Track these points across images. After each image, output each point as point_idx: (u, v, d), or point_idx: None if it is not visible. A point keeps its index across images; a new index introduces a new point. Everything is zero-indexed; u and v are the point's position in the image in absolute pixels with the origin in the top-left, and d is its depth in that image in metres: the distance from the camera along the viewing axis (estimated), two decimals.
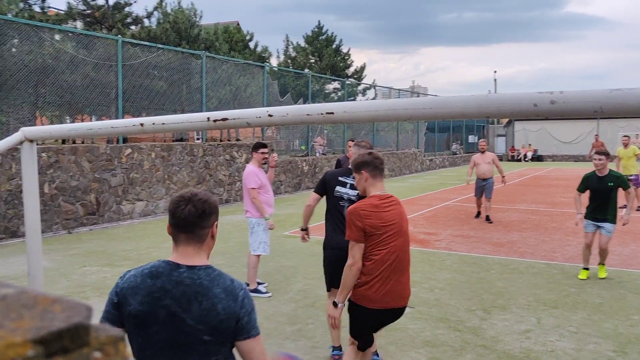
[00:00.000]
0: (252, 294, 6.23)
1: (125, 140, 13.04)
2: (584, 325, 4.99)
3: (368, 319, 3.20)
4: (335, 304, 3.23)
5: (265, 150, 6.18)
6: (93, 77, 11.61)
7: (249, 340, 1.85)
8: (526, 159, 37.18)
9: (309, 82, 19.73)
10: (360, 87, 30.58)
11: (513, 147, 39.22)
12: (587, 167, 22.74)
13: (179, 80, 13.97)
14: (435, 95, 22.87)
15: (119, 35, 13.17)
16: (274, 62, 33.00)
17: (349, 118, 1.17)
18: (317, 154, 20.00)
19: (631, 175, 12.07)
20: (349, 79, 29.94)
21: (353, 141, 4.61)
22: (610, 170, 6.41)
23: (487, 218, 10.75)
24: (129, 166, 11.51)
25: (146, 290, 1.82)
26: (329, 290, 4.47)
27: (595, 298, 5.81)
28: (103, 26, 23.04)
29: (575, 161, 36.27)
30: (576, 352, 4.38)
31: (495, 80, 51.87)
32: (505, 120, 41.47)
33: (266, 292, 6.12)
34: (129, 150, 11.52)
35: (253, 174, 6.01)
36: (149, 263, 1.95)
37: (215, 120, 1.34)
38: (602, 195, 6.36)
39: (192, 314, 1.78)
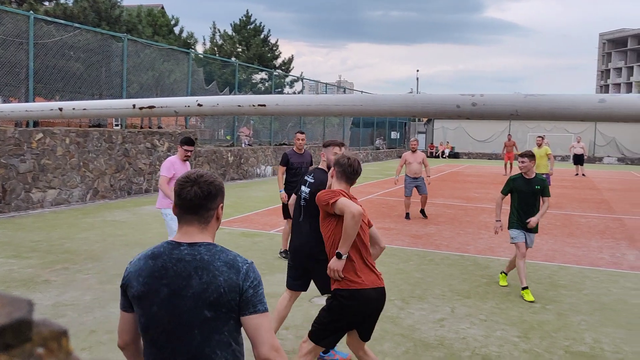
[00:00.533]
0: None
1: (36, 124, 12.19)
2: (492, 314, 5.32)
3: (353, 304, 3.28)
4: (339, 255, 3.25)
5: (190, 148, 6.21)
6: (0, 54, 10.74)
7: (256, 315, 1.77)
8: (444, 156, 38.86)
9: (236, 71, 19.44)
10: (288, 79, 30.53)
11: (432, 144, 40.84)
12: (499, 165, 23.70)
13: (97, 63, 13.25)
14: (362, 92, 23.24)
15: (31, 11, 12.26)
16: (199, 49, 32.15)
17: (281, 111, 1.17)
18: (243, 145, 19.78)
19: (543, 174, 13.04)
20: (277, 70, 29.81)
21: (338, 146, 4.61)
22: (536, 173, 6.15)
23: (423, 212, 11.05)
24: (40, 152, 10.79)
25: (147, 271, 1.81)
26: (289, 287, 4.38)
27: (503, 288, 6.21)
28: (12, 0, 21.35)
29: (489, 159, 38.41)
30: (485, 338, 4.67)
31: (417, 79, 53.68)
32: (425, 119, 43.09)
33: None
34: (40, 135, 10.79)
35: (170, 163, 6.10)
36: (153, 246, 1.94)
37: (141, 108, 1.30)
38: (528, 199, 6.03)
39: (192, 289, 1.75)
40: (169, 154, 14.56)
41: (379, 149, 35.15)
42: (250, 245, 8.10)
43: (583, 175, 22.45)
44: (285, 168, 7.47)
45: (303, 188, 4.39)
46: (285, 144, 22.30)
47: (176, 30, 28.23)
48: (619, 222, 11.00)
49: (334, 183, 3.44)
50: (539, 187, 6.03)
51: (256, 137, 21.87)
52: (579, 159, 22.68)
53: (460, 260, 7.51)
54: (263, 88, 28.56)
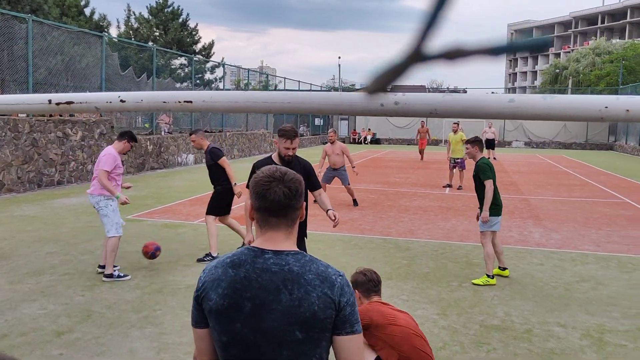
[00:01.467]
0: (106, 279, 5.84)
1: None
2: (413, 294, 5.58)
3: None
4: None
5: (135, 144, 6.25)
6: None
7: (353, 336, 1.58)
8: (366, 142, 39.75)
9: (154, 56, 18.69)
10: (209, 65, 29.80)
11: (355, 130, 41.61)
12: (416, 150, 24.35)
13: None
14: (285, 78, 23.08)
15: None
16: (113, 32, 30.55)
17: (208, 107, 1.17)
18: (163, 133, 19.13)
19: (458, 159, 13.82)
20: (197, 56, 28.97)
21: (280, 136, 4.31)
22: (481, 158, 6.10)
23: (354, 202, 11.09)
24: None
25: (227, 281, 1.59)
26: None
27: (423, 268, 6.52)
28: None
29: (408, 144, 39.75)
30: None
31: (339, 65, 54.30)
32: None
33: (125, 275, 5.93)
34: None
35: (113, 157, 5.96)
36: (231, 251, 1.73)
37: (58, 104, 1.23)
38: (475, 185, 6.15)
39: (281, 305, 1.55)
40: (82, 143, 13.80)
41: (303, 136, 35.30)
42: (174, 237, 7.91)
43: (494, 158, 23.83)
44: None
45: None
46: (207, 131, 21.83)
47: (87, 11, 26.61)
48: (526, 203, 11.83)
49: (364, 303, 3.32)
50: (474, 172, 6.08)
51: (176, 124, 21.22)
52: (490, 144, 24.03)
53: (383, 244, 7.77)
54: (183, 74, 27.71)
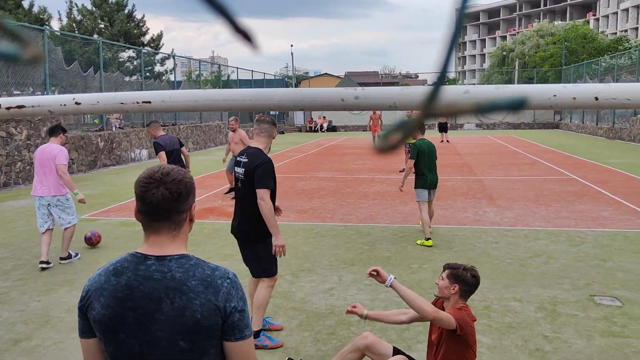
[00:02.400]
0: (64, 261, 6.15)
1: None
2: None
3: None
4: None
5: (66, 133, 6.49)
6: None
7: (242, 342, 1.53)
8: (322, 130, 39.84)
9: (100, 49, 18.06)
10: (159, 57, 29.07)
11: (311, 119, 41.60)
12: (369, 136, 24.71)
13: None
14: (237, 68, 22.69)
15: None
16: (55, 25, 29.30)
17: (167, 107, 1.15)
18: (114, 128, 18.59)
19: (410, 142, 14.01)
20: (146, 48, 28.20)
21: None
22: (419, 139, 7.33)
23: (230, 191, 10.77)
24: None
25: (109, 290, 1.51)
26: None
27: (384, 252, 6.64)
28: None
29: (364, 131, 40.11)
30: (371, 302, 4.98)
31: (292, 53, 54.04)
32: None
33: (77, 254, 6.51)
34: None
35: (65, 151, 6.19)
36: (116, 258, 1.62)
37: (8, 108, 1.19)
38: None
39: (163, 314, 1.47)
40: (28, 142, 13.26)
41: None
42: (132, 235, 7.74)
43: (447, 141, 24.40)
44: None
45: (237, 169, 4.13)
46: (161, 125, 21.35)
47: (25, 4, 25.39)
48: (479, 183, 12.19)
49: (456, 300, 3.13)
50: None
51: (128, 119, 20.64)
52: (443, 127, 24.61)
53: (344, 230, 7.85)
54: (132, 67, 26.92)
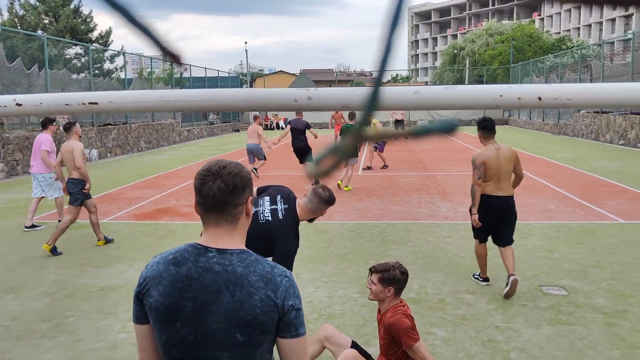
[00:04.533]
0: (27, 230, 7.59)
1: None
2: (334, 275, 5.72)
3: None
4: None
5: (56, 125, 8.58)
6: None
7: (297, 339, 1.55)
8: (279, 127, 39.71)
9: (45, 45, 17.34)
10: (108, 54, 28.20)
11: (267, 116, 41.39)
12: (330, 133, 24.94)
13: None
14: (190, 65, 22.26)
15: None
16: None
17: (116, 109, 1.12)
18: (61, 128, 17.90)
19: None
20: (94, 44, 27.29)
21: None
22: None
23: None
24: None
25: (169, 279, 1.53)
26: None
27: (341, 249, 6.69)
28: None
29: (320, 128, 40.22)
30: (329, 299, 5.02)
31: (246, 51, 53.49)
32: None
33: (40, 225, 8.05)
34: None
35: (50, 139, 8.07)
36: (175, 247, 1.63)
37: None
38: None
39: (222, 307, 1.50)
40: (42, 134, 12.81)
41: (213, 124, 34.57)
42: (83, 238, 7.50)
43: (405, 138, 24.86)
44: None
45: (267, 205, 3.61)
46: (111, 124, 20.75)
47: None
48: (433, 179, 12.46)
49: (391, 300, 3.15)
50: None
51: (75, 118, 19.91)
52: (399, 124, 25.17)
53: (301, 228, 7.80)
54: (79, 64, 26.00)
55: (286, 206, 3.60)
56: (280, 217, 3.54)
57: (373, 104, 0.72)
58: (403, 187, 11.39)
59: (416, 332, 3.08)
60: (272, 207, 3.58)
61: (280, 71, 61.98)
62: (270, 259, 2.94)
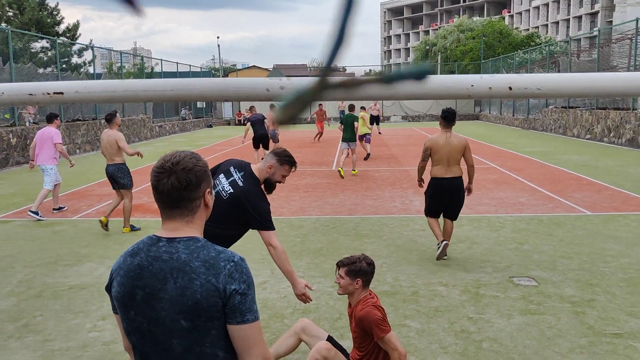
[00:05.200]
0: (31, 214, 7.76)
1: None
2: (309, 269, 5.72)
3: None
4: None
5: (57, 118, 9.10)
6: None
7: (244, 326, 1.53)
8: None
9: (9, 39, 16.82)
10: (76, 48, 27.54)
11: (240, 112, 41.07)
12: (305, 129, 24.80)
13: None
14: (161, 59, 21.93)
15: None
16: None
17: (82, 99, 1.09)
18: (27, 123, 17.42)
19: (367, 134, 15.23)
20: (61, 38, 26.61)
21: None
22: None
23: None
24: None
25: (124, 269, 1.59)
26: None
27: (316, 244, 6.69)
28: None
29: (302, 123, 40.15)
30: None
31: (219, 45, 52.98)
32: None
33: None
34: None
35: (59, 132, 8.92)
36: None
37: None
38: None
39: (168, 294, 1.52)
40: (49, 127, 12.49)
41: (186, 120, 34.12)
42: (51, 236, 7.32)
43: (379, 133, 25.10)
44: None
45: (224, 181, 3.64)
46: (80, 120, 20.29)
47: None
48: (406, 173, 12.56)
49: (360, 292, 3.18)
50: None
51: (42, 113, 19.41)
52: (375, 120, 25.40)
53: (276, 224, 7.77)
54: (46, 58, 25.32)
55: (242, 173, 3.65)
56: (241, 184, 3.59)
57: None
58: (377, 182, 11.46)
59: (387, 323, 3.11)
60: (230, 179, 3.64)
61: (254, 66, 61.49)
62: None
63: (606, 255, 6.03)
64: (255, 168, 3.72)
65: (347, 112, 13.27)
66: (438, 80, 1.03)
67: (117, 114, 7.78)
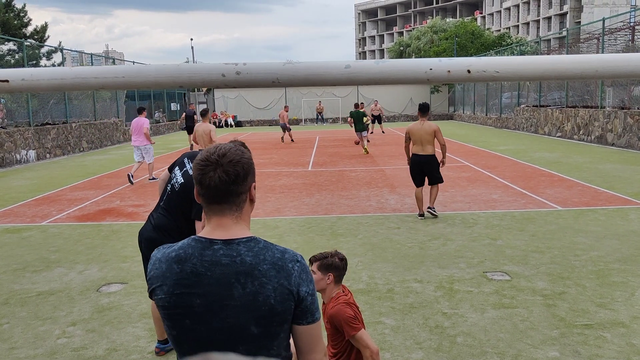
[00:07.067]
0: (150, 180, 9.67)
1: None
2: None
3: None
4: None
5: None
6: None
7: (313, 325, 1.48)
8: (229, 125, 39.19)
9: None
10: (44, 50, 26.97)
11: (215, 113, 40.75)
12: (280, 131, 24.57)
13: None
14: (134, 62, 21.79)
15: None
16: None
17: (29, 87, 1.04)
18: None
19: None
20: (28, 40, 26.02)
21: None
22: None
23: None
24: None
25: (173, 278, 1.43)
26: None
27: (291, 244, 6.65)
28: None
29: (270, 125, 39.99)
30: None
31: (192, 47, 52.51)
32: (205, 88, 42.57)
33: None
34: None
35: (148, 121, 12.12)
36: (177, 243, 1.52)
37: None
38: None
39: (234, 300, 1.41)
40: (140, 117, 12.69)
41: (159, 122, 33.70)
42: (19, 242, 7.12)
43: (382, 132, 26.59)
44: None
45: (178, 173, 3.70)
46: (49, 124, 19.84)
47: None
48: (381, 173, 12.62)
49: (332, 288, 3.13)
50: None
51: (10, 117, 18.93)
52: (377, 119, 26.86)
53: (252, 225, 7.74)
54: (13, 60, 24.73)
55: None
56: (190, 173, 3.58)
57: None
58: (352, 181, 11.48)
59: (358, 320, 3.09)
60: (182, 170, 3.69)
61: None
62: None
63: (576, 248, 6.14)
64: None
65: (353, 110, 17.96)
66: (397, 64, 1.02)
67: (209, 111, 10.00)
